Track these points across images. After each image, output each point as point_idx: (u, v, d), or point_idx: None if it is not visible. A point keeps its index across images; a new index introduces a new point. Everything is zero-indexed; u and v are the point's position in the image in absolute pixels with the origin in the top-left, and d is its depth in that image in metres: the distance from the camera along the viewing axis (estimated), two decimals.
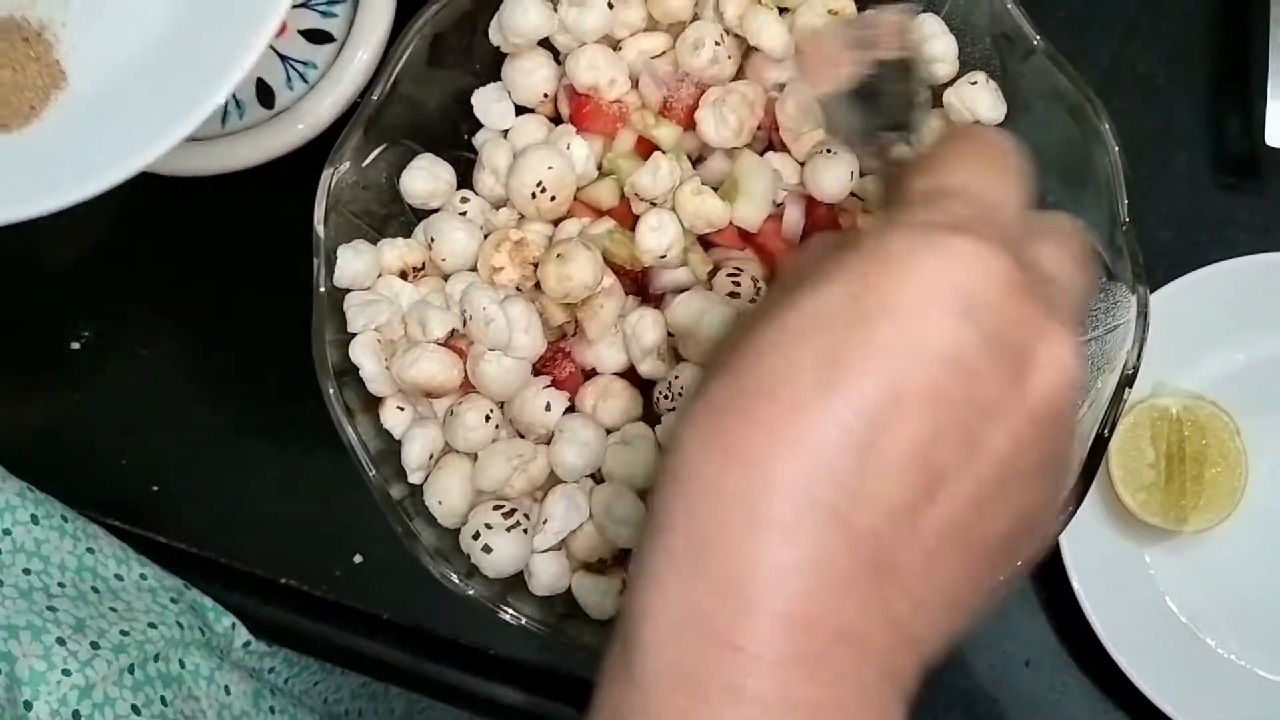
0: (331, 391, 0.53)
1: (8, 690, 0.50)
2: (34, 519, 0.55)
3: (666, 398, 0.55)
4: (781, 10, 0.58)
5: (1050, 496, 0.34)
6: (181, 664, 0.57)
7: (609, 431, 0.55)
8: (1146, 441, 0.60)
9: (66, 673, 0.52)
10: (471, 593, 0.51)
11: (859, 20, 0.52)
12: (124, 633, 0.56)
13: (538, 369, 0.56)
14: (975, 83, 0.56)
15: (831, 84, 0.47)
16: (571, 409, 0.55)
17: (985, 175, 0.34)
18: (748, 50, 0.59)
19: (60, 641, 0.53)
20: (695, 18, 0.59)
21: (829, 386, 0.29)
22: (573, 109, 0.59)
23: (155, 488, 0.66)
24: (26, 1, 0.52)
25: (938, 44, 0.56)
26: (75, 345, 0.68)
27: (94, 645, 0.54)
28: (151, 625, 0.57)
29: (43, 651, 0.52)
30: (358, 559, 0.64)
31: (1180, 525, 0.59)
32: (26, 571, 0.54)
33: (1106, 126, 0.54)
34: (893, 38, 0.47)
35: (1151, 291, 0.57)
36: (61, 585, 0.55)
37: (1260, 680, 0.59)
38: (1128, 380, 0.51)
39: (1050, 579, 0.60)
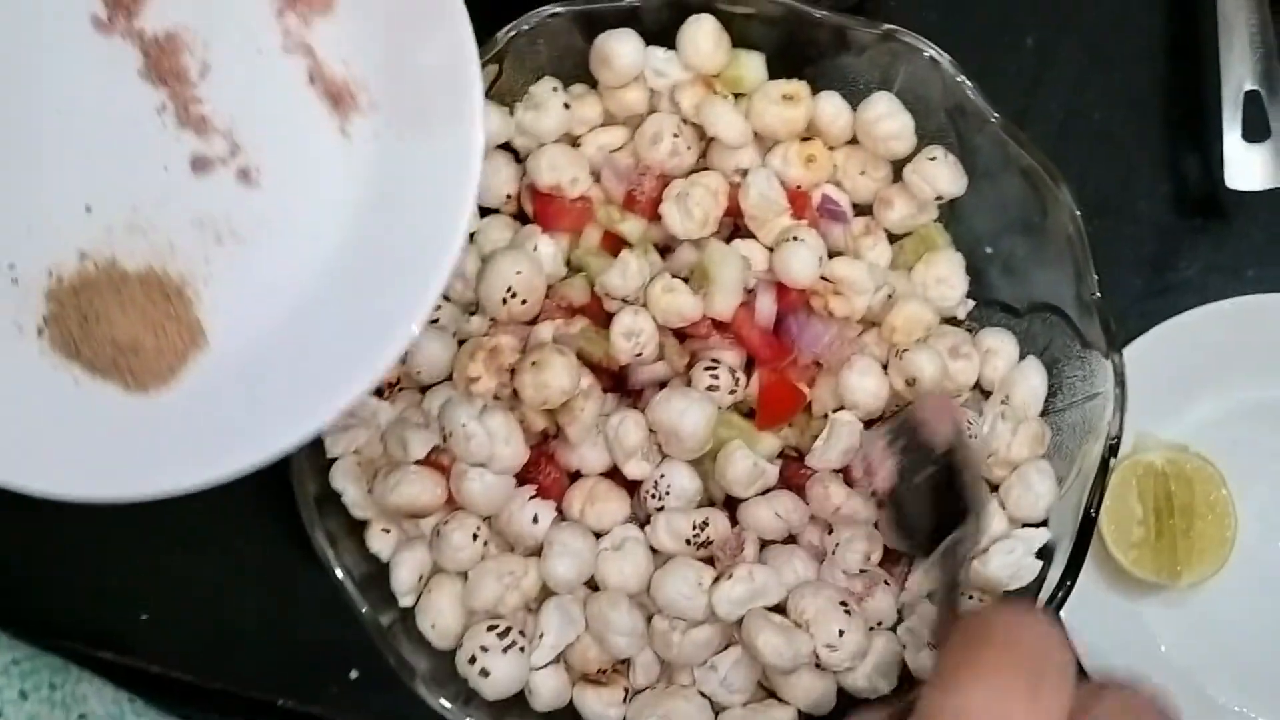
0: (313, 521, 0.52)
1: None
2: (22, 694, 0.54)
3: (654, 496, 0.55)
4: (736, 97, 0.58)
5: None
6: None
7: (598, 536, 0.54)
8: (1134, 498, 0.60)
9: None
10: (470, 718, 0.50)
11: (902, 416, 0.53)
12: None
13: (521, 476, 0.55)
14: (934, 158, 0.57)
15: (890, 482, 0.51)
16: (559, 515, 0.55)
17: (1014, 689, 0.32)
18: (706, 138, 0.59)
19: None
20: (652, 110, 0.59)
21: None
22: (537, 208, 0.59)
23: (144, 616, 0.65)
24: (166, 252, 0.47)
25: (894, 122, 0.57)
26: None
27: None
28: None
29: None
30: (354, 674, 0.63)
31: (1174, 579, 0.59)
32: None
33: (1065, 193, 0.54)
34: (940, 420, 0.50)
35: (1125, 343, 0.58)
36: None
37: None
38: (1112, 450, 0.51)
39: None
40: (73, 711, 0.55)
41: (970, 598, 0.52)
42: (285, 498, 0.54)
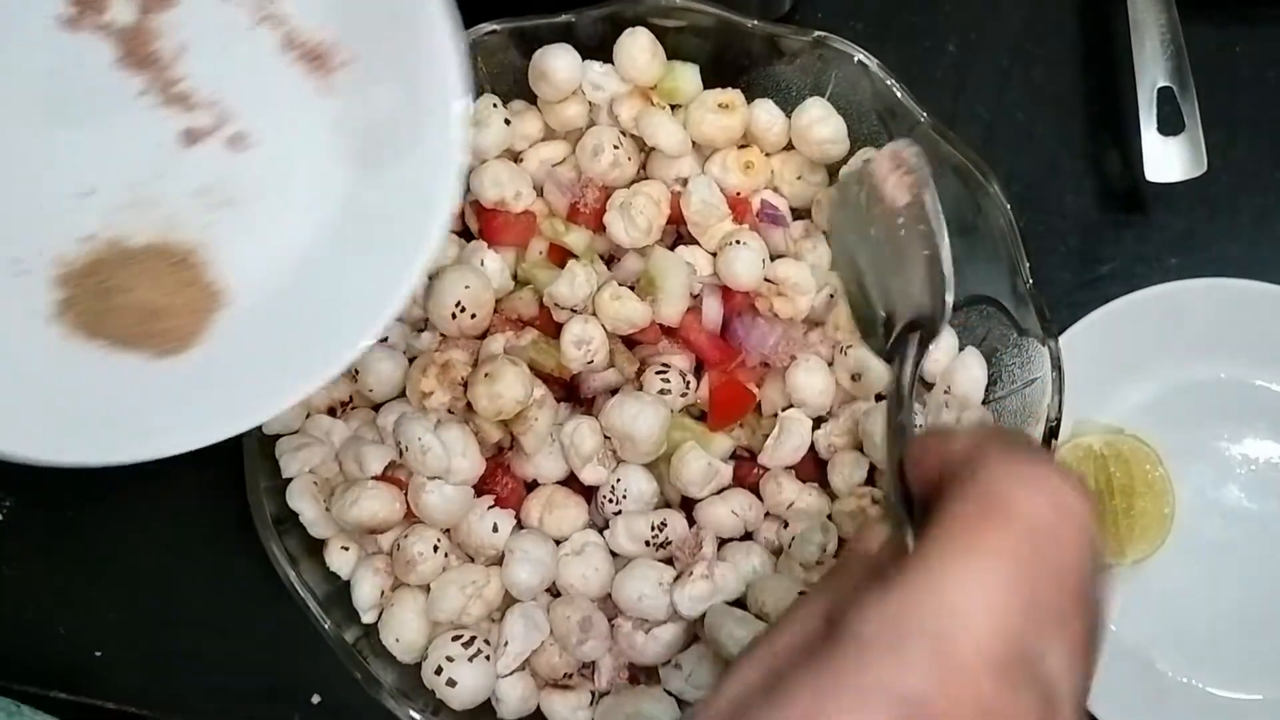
0: (273, 544, 0.52)
1: None
2: None
3: (611, 501, 0.55)
4: (674, 108, 0.60)
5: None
6: None
7: (558, 543, 0.55)
8: None
9: None
10: None
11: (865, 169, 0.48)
12: None
13: (479, 488, 0.56)
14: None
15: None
16: (519, 525, 0.55)
17: (1018, 595, 0.31)
18: (646, 149, 0.60)
19: None
20: (591, 123, 0.60)
21: None
22: (482, 224, 0.60)
23: (98, 653, 0.64)
24: (168, 225, 0.48)
25: (827, 126, 0.58)
26: None
27: None
28: None
29: None
30: (316, 699, 0.63)
31: (1119, 558, 0.61)
32: None
33: (995, 188, 0.56)
34: (896, 175, 0.46)
35: (1060, 332, 0.59)
36: None
37: (1213, 698, 0.61)
38: (1052, 431, 0.53)
39: None
40: None
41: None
42: (240, 525, 0.54)
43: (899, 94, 0.57)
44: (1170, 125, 0.64)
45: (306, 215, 0.48)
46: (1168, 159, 0.64)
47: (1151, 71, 0.65)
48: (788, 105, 0.60)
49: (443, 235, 0.47)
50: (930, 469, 0.35)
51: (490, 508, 0.54)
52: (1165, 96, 0.65)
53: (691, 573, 0.52)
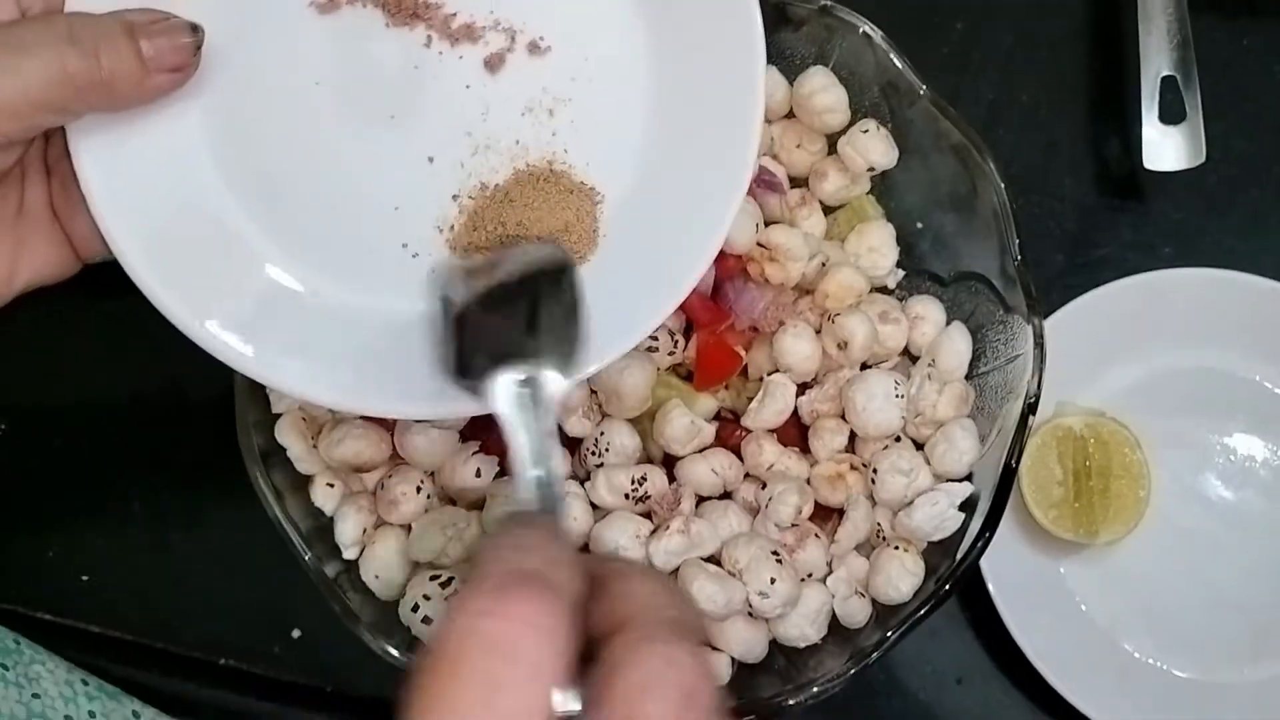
0: (259, 475, 0.53)
1: None
2: None
3: (594, 453, 0.56)
4: None
5: None
6: None
7: None
8: (1054, 460, 0.62)
9: None
10: None
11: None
12: None
13: (466, 435, 0.56)
14: (867, 131, 0.59)
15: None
16: (502, 472, 0.56)
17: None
18: None
19: None
20: None
21: None
22: None
23: (85, 578, 0.66)
24: (519, 151, 0.47)
25: (829, 95, 0.59)
26: None
27: None
28: None
29: None
30: (296, 633, 0.64)
31: (1092, 538, 0.62)
32: None
33: (990, 166, 0.56)
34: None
35: (1048, 315, 0.60)
36: None
37: (1176, 680, 0.62)
38: (1030, 408, 0.54)
39: (974, 598, 0.62)
40: (25, 691, 0.55)
41: (896, 548, 0.55)
42: (228, 457, 0.55)
43: (901, 67, 0.57)
44: (1172, 114, 0.65)
45: (628, 95, 0.48)
46: (1167, 148, 0.65)
47: (1156, 60, 0.66)
48: (791, 73, 0.60)
49: (760, 115, 0.46)
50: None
51: (475, 453, 0.55)
52: (1168, 85, 0.65)
53: (668, 527, 0.53)
